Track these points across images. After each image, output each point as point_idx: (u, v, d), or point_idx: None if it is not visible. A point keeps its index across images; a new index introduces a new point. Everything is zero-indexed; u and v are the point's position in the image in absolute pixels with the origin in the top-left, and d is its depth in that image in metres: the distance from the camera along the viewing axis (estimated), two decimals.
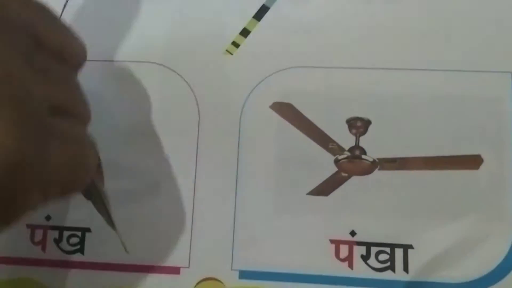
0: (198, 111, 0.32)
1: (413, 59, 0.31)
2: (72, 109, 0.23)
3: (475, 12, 0.31)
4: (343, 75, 0.31)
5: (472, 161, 0.29)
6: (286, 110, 0.31)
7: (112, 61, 0.33)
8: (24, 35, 0.20)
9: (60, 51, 0.22)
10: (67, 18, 0.33)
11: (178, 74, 0.32)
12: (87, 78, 0.31)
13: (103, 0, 0.34)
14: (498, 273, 0.29)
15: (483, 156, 0.30)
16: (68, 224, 0.31)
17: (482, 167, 0.30)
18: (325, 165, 0.30)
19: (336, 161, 0.30)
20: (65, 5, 0.34)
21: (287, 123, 0.31)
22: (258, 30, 0.33)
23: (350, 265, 0.29)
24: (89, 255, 0.31)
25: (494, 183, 0.29)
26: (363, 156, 0.30)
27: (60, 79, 0.22)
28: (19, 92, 0.19)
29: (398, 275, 0.29)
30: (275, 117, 0.31)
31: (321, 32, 0.32)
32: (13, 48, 0.20)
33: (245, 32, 0.33)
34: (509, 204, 0.29)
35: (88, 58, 0.25)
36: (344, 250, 0.30)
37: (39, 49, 0.21)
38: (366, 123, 0.30)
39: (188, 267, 0.30)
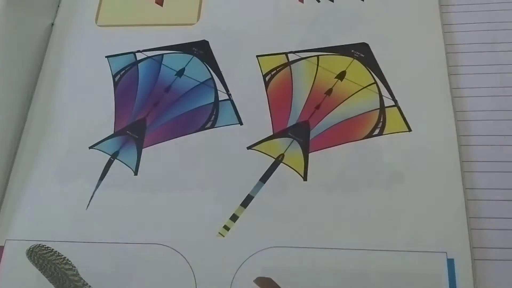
0: (196, 284, 0.39)
1: (368, 242, 0.38)
2: None
3: (415, 200, 0.40)
4: (313, 254, 0.39)
5: None
6: (267, 284, 0.38)
7: (121, 243, 0.40)
8: None
9: None
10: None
11: (179, 253, 0.40)
12: (97, 259, 0.39)
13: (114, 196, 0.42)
14: None
15: None
16: None
17: None
18: None
19: None
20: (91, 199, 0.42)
21: None
22: (245, 215, 0.40)
23: None
24: None
25: None
26: None
27: None
28: None
29: None
30: None
31: (294, 218, 0.40)
32: None
33: (234, 217, 0.40)
34: None
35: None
36: None
37: None
38: None
39: None
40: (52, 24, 0.49)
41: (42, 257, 0.38)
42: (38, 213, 0.41)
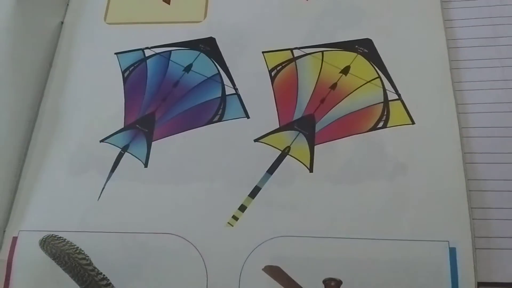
0: (206, 272, 0.40)
1: (373, 231, 0.39)
2: None
3: (419, 191, 0.41)
4: (319, 243, 0.40)
5: None
6: (275, 272, 0.39)
7: (132, 232, 0.41)
8: None
9: None
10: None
11: (190, 242, 0.40)
12: (109, 248, 0.40)
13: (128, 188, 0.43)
14: None
15: None
16: None
17: None
18: None
19: None
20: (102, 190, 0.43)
21: (277, 283, 0.39)
22: (253, 206, 0.41)
23: None
24: None
25: None
26: None
27: None
28: None
29: None
30: (267, 277, 0.39)
31: (301, 208, 0.41)
32: None
33: (242, 208, 0.41)
34: None
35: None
36: None
37: None
38: (338, 283, 0.38)
39: None
40: (62, 23, 0.49)
41: (55, 247, 0.39)
42: (51, 205, 0.42)
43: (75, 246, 0.40)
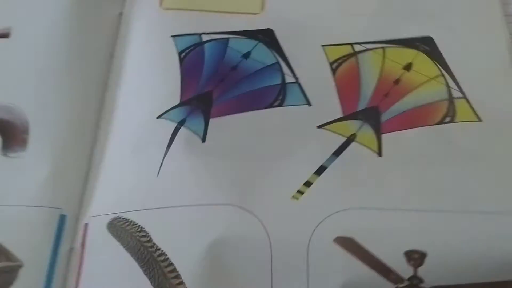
0: (271, 246, 0.36)
1: (451, 204, 0.37)
2: None
3: (489, 182, 0.38)
4: (395, 215, 0.37)
5: None
6: (348, 244, 0.36)
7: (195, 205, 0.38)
8: None
9: None
10: None
11: (252, 213, 0.37)
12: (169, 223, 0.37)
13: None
14: None
15: None
16: None
17: None
18: None
19: None
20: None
21: (350, 255, 0.35)
22: (318, 182, 0.39)
23: None
24: None
25: None
26: (421, 285, 0.34)
27: None
28: None
29: None
30: (339, 250, 0.35)
31: (371, 185, 0.39)
32: None
33: (308, 184, 0.39)
34: None
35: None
36: None
37: None
38: (423, 255, 0.35)
39: None
40: (121, 14, 0.48)
41: (120, 228, 0.37)
42: (116, 187, 0.40)
43: (137, 225, 0.37)
